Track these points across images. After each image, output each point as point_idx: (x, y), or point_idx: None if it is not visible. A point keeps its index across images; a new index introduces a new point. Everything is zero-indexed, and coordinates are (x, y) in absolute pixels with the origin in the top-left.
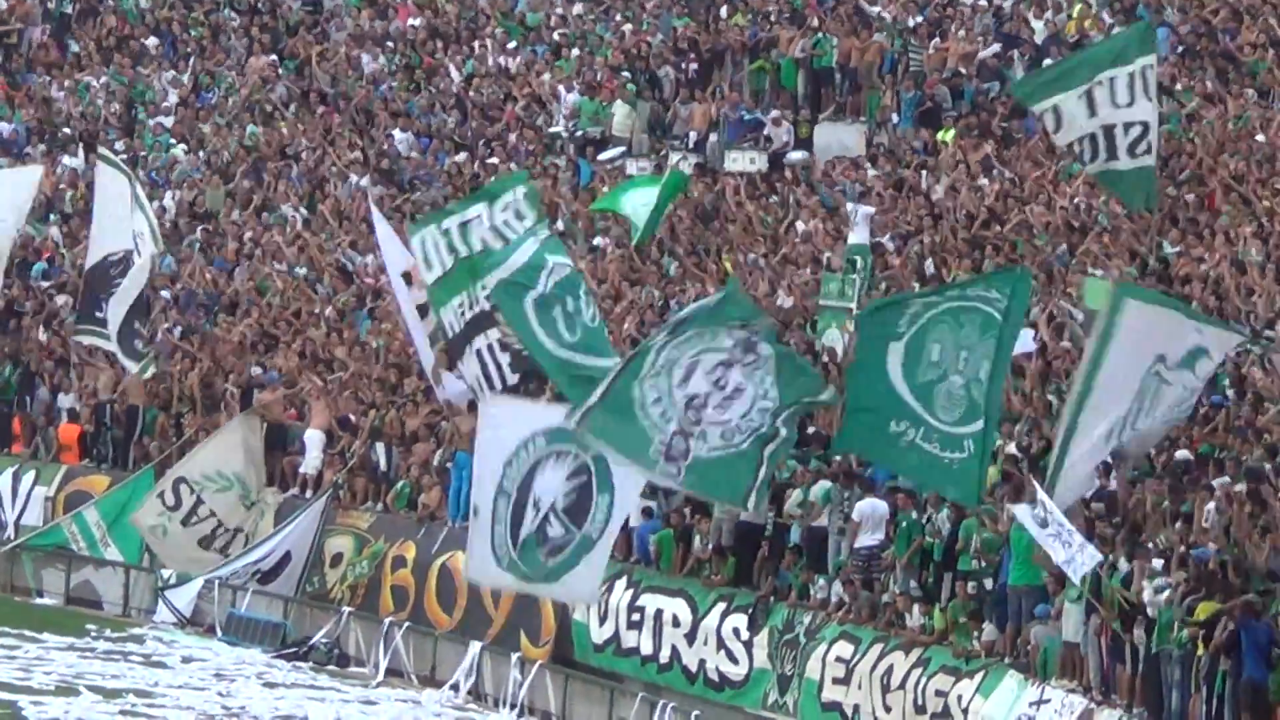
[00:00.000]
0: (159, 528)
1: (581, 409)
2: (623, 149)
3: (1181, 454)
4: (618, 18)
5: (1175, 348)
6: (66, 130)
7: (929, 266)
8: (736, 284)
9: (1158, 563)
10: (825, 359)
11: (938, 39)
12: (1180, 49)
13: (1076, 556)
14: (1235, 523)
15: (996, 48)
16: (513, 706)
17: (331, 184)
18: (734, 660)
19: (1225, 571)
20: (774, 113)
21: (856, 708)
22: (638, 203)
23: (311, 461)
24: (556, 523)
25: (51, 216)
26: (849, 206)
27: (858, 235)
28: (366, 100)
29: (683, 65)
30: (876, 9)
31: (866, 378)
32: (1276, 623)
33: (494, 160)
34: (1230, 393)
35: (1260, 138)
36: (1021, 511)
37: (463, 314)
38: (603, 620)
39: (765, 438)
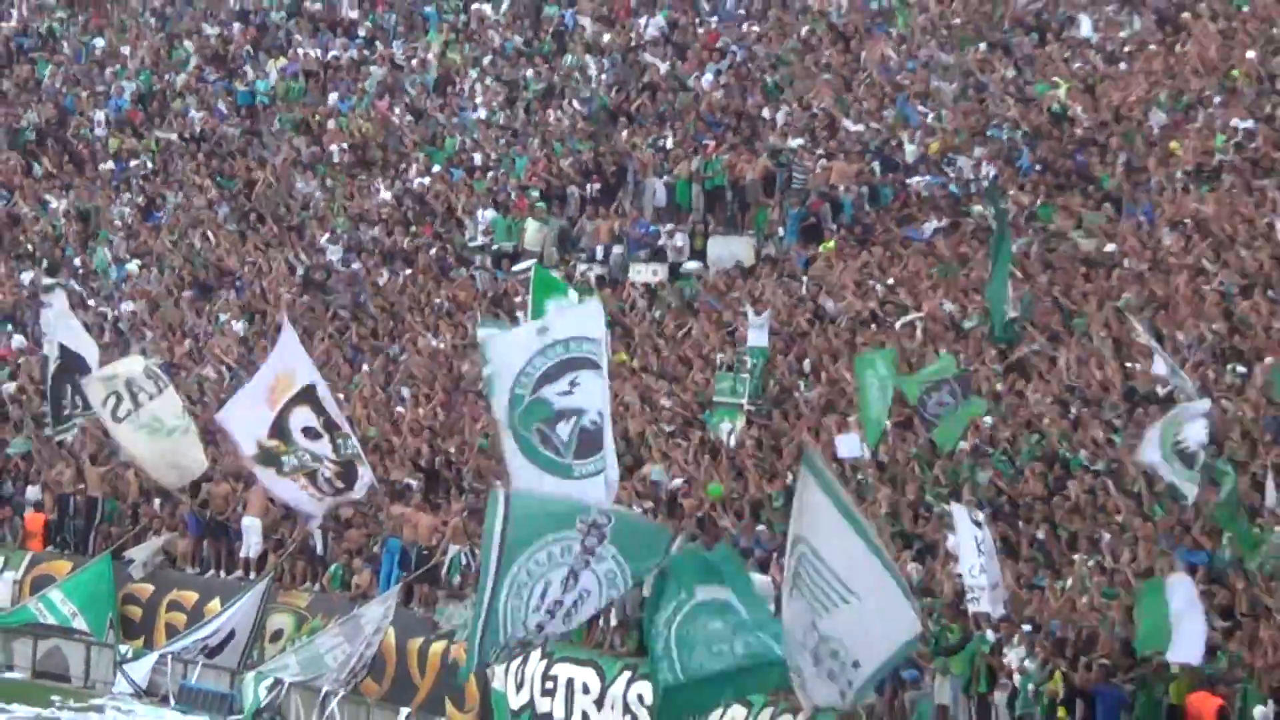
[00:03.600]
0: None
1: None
2: (534, 261)
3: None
4: (533, 143)
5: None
6: (29, 247)
7: (807, 365)
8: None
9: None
10: (718, 445)
11: (822, 159)
12: (1040, 168)
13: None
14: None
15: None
16: None
17: (271, 296)
18: None
19: (1078, 641)
20: (669, 225)
21: None
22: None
23: (252, 546)
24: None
25: (10, 326)
26: (749, 313)
27: (755, 338)
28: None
29: (587, 185)
30: (859, 127)
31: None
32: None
33: (412, 272)
34: (1099, 467)
35: (1110, 247)
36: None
37: None
38: (519, 688)
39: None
